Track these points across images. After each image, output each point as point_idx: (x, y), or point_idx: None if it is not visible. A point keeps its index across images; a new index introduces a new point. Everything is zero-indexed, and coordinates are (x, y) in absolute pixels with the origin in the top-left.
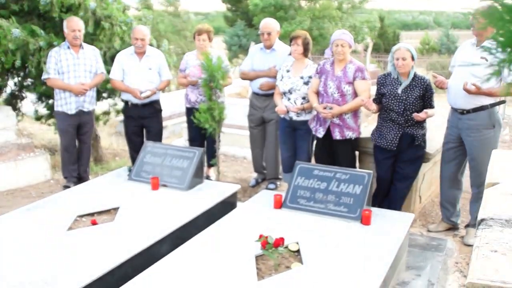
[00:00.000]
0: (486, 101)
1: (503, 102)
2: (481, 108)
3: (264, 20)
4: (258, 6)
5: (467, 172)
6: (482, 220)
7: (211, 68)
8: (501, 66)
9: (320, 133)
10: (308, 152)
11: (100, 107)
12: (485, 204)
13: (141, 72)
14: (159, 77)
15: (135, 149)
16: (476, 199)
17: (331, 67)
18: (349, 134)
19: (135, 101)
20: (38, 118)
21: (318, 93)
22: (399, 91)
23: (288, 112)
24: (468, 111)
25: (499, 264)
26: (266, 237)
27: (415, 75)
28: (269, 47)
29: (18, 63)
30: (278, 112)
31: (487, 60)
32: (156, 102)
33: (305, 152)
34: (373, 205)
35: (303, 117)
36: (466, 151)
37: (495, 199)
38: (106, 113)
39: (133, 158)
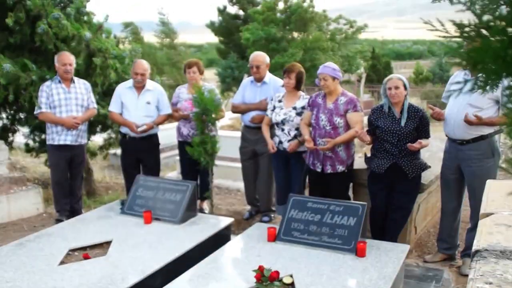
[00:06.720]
0: (486, 130)
1: (501, 131)
2: (481, 138)
3: (253, 53)
4: (249, 41)
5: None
6: (477, 251)
7: (204, 101)
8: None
9: (319, 167)
10: (301, 182)
11: (97, 141)
12: (479, 235)
13: (139, 106)
14: (157, 111)
15: (131, 182)
16: (474, 229)
17: (323, 99)
18: (340, 168)
19: (133, 134)
20: (29, 150)
21: (310, 125)
22: (402, 124)
23: (277, 148)
24: (468, 141)
25: None
26: (263, 269)
27: (409, 106)
28: (259, 80)
29: (11, 97)
30: (269, 150)
31: None
32: (154, 136)
33: (299, 183)
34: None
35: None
36: (464, 181)
37: (490, 230)
38: (103, 147)
39: (129, 191)
